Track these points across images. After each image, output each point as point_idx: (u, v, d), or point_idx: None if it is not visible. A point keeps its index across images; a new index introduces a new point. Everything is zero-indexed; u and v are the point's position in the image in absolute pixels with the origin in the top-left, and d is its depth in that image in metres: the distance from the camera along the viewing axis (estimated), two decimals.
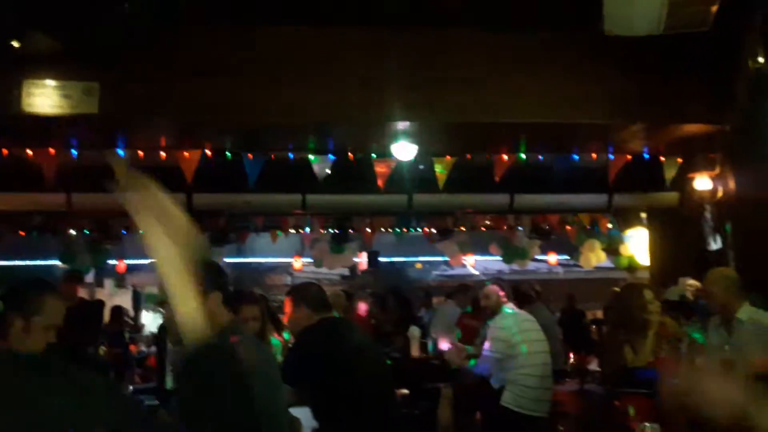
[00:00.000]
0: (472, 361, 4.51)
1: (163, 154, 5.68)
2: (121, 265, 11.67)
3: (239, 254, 13.26)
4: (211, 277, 1.98)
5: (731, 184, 5.05)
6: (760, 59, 4.16)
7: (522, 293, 6.15)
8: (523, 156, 5.95)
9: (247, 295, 3.99)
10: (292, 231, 9.57)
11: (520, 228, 10.05)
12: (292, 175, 6.55)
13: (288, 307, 3.11)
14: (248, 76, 4.81)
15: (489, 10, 4.73)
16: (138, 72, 4.62)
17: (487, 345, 4.24)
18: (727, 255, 5.19)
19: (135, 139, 5.61)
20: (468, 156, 6.15)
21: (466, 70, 4.99)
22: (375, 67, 4.96)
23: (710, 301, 3.70)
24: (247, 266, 14.76)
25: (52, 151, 5.35)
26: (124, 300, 11.55)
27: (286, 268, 14.29)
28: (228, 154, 5.92)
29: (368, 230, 9.71)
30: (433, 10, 4.77)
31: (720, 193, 5.37)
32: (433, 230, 10.17)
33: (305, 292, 3.11)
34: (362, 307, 6.41)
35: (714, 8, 3.89)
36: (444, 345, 5.44)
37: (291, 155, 6.05)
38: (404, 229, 10.10)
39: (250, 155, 5.89)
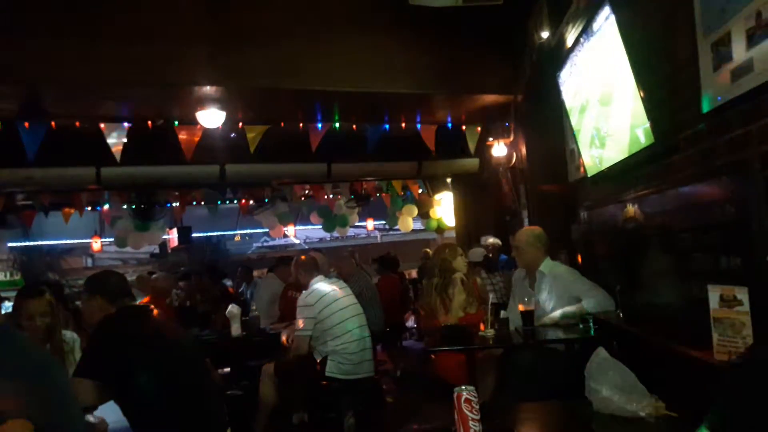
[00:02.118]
0: None
1: None
2: None
3: (26, 237, 11.63)
4: None
5: (523, 150, 5.53)
6: (544, 34, 4.54)
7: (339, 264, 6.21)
8: (337, 125, 5.93)
9: (28, 288, 3.45)
10: (89, 209, 8.54)
11: (339, 196, 10.19)
12: (84, 146, 5.81)
13: (83, 297, 2.81)
14: (17, 27, 4.09)
15: None
16: None
17: (297, 323, 4.19)
18: (521, 215, 5.71)
19: None
20: (282, 124, 5.96)
21: (276, 36, 4.78)
22: (175, 24, 4.52)
23: (519, 257, 3.99)
24: (38, 250, 13.01)
25: None
26: None
27: (86, 250, 12.87)
28: None
29: (177, 204, 9.07)
30: None
31: (514, 158, 5.87)
32: (251, 202, 9.85)
33: (101, 282, 2.78)
34: (167, 289, 5.96)
35: None
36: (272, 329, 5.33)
37: (78, 123, 5.31)
38: (217, 202, 9.62)
39: (26, 124, 5.06)
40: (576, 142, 4.07)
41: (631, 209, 3.34)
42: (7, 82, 4.40)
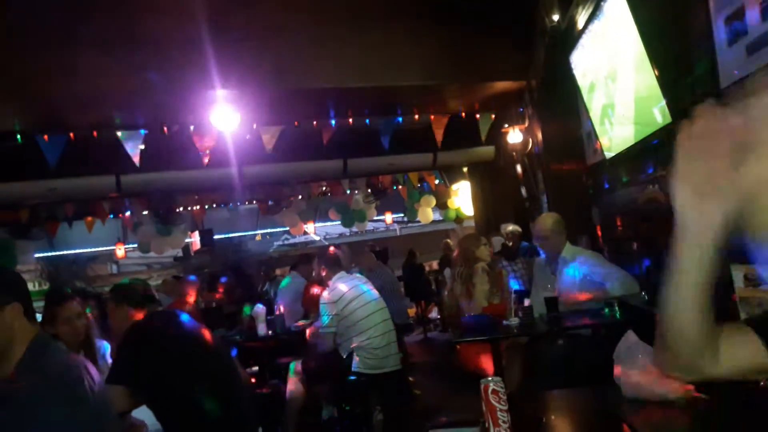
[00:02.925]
0: None
1: None
2: None
3: (52, 248, 11.84)
4: (7, 285, 1.67)
5: (539, 135, 5.48)
6: (555, 17, 4.49)
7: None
8: (351, 121, 5.93)
9: (57, 293, 3.53)
10: (111, 216, 8.67)
11: (356, 192, 10.19)
12: (103, 155, 5.89)
13: (110, 306, 2.87)
14: (31, 39, 4.15)
15: None
16: None
17: (320, 322, 4.21)
18: (540, 201, 5.66)
19: None
20: (296, 123, 5.98)
21: (285, 35, 4.78)
22: (185, 29, 4.55)
23: (542, 243, 3.95)
24: (64, 259, 13.23)
25: None
26: None
27: (110, 257, 13.07)
28: (18, 137, 5.12)
29: (197, 208, 9.16)
30: None
31: (530, 144, 5.81)
32: (270, 202, 9.91)
33: (126, 291, 2.85)
34: (192, 291, 6.03)
35: None
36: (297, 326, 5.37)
37: (96, 133, 5.39)
38: (237, 204, 9.70)
39: (45, 137, 5.15)
40: (592, 125, 4.03)
41: (652, 190, 3.29)
42: (23, 96, 4.47)
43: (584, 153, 4.67)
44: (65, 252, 12.78)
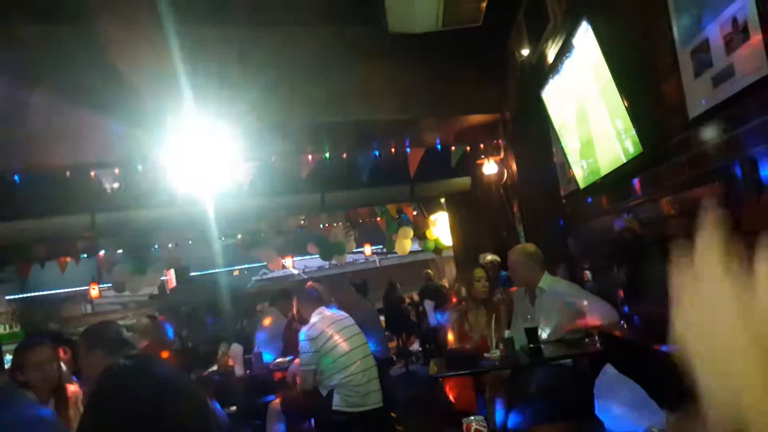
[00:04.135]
0: None
1: None
2: None
3: (24, 290, 11.54)
4: None
5: (513, 166, 5.55)
6: (524, 51, 4.59)
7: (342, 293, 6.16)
8: (327, 155, 5.94)
9: (24, 342, 3.42)
10: (85, 256, 8.50)
11: (336, 224, 10.17)
12: (77, 194, 5.80)
13: (81, 352, 2.77)
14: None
15: (279, 10, 4.60)
16: None
17: (300, 358, 4.14)
18: (518, 230, 5.70)
19: None
20: (272, 158, 5.97)
21: (262, 71, 4.81)
22: (165, 67, 4.54)
23: (513, 275, 3.97)
24: (36, 300, 12.88)
25: None
26: None
27: (85, 297, 12.76)
28: None
29: (172, 245, 9.03)
30: (221, 9, 4.51)
31: (505, 175, 5.88)
32: (247, 237, 9.82)
33: (98, 334, 2.76)
34: (168, 330, 5.91)
35: (483, 4, 4.19)
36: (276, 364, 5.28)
37: (69, 172, 5.30)
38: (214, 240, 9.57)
39: (16, 176, 5.06)
40: (565, 156, 4.09)
41: (627, 219, 3.33)
42: None
43: (558, 183, 4.73)
44: (38, 293, 12.46)
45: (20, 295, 11.78)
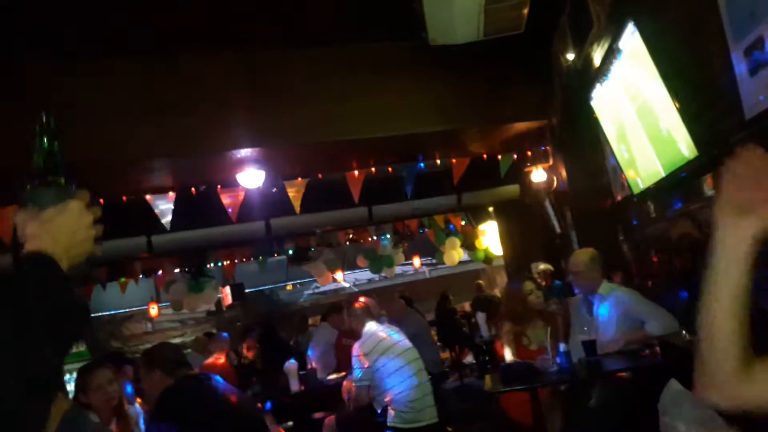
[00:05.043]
0: None
1: None
2: None
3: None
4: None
5: (563, 173, 5.43)
6: (569, 56, 4.51)
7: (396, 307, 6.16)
8: (373, 170, 5.97)
9: (90, 364, 3.55)
10: (143, 276, 8.80)
11: (383, 237, 10.20)
12: (133, 217, 6.02)
13: (142, 373, 2.87)
14: (67, 113, 4.29)
15: (320, 28, 4.69)
16: None
17: (354, 374, 4.12)
18: (571, 238, 5.57)
19: None
20: (319, 175, 6.06)
21: (305, 91, 4.90)
22: (210, 93, 4.70)
23: (578, 281, 3.84)
24: (99, 319, 13.39)
25: None
26: None
27: (145, 315, 13.20)
28: None
29: (227, 263, 9.25)
30: (265, 33, 4.63)
31: (555, 182, 5.76)
32: (297, 252, 9.96)
33: (157, 355, 2.84)
34: (226, 347, 6.02)
35: (525, 11, 4.14)
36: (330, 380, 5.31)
37: (125, 198, 5.52)
38: (266, 257, 9.78)
39: None
40: (617, 161, 3.98)
41: (685, 224, 3.21)
42: None
43: (611, 188, 4.60)
44: (101, 314, 12.95)
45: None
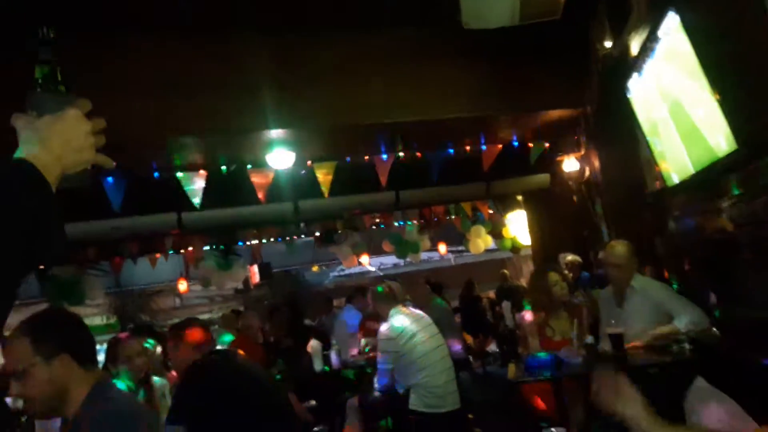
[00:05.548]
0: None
1: None
2: None
3: (117, 284, 12.31)
4: (55, 337, 1.69)
5: (596, 163, 5.34)
6: (606, 44, 4.40)
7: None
8: (401, 154, 5.95)
9: (118, 336, 3.66)
10: (172, 252, 8.96)
11: (409, 223, 10.19)
12: (164, 194, 6.13)
13: (170, 346, 2.97)
14: (101, 91, 4.36)
15: (352, 12, 4.66)
16: None
17: (379, 357, 4.15)
18: (600, 229, 5.49)
19: None
20: (348, 159, 6.06)
21: (336, 74, 4.89)
22: (243, 74, 4.72)
23: (615, 272, 3.79)
24: (129, 293, 13.72)
25: None
26: None
27: (174, 290, 13.48)
28: None
29: (255, 242, 9.37)
30: (299, 15, 4.62)
31: (587, 172, 5.67)
32: (324, 234, 10.02)
33: (185, 329, 2.91)
34: (254, 324, 6.11)
35: None
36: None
37: (156, 174, 5.60)
38: (293, 237, 9.86)
39: (109, 178, 5.40)
40: (651, 152, 3.89)
41: (721, 218, 3.13)
42: None
43: (644, 181, 4.50)
44: (131, 288, 13.25)
45: (115, 289, 12.55)
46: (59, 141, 0.99)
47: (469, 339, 9.04)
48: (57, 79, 1.05)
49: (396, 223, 10.02)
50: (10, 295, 0.88)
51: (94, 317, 12.53)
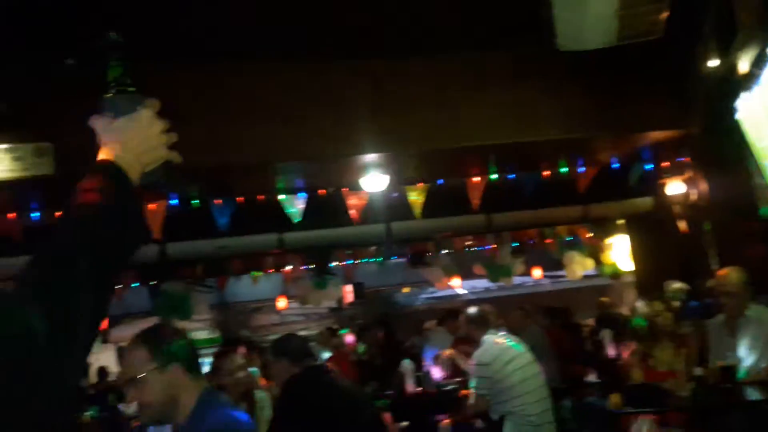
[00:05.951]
0: None
1: None
2: None
3: (221, 300, 13.00)
4: (168, 347, 1.82)
5: (704, 186, 5.06)
6: (714, 62, 4.20)
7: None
8: (494, 176, 5.93)
9: (223, 350, 3.89)
10: (272, 270, 9.40)
11: (503, 246, 10.04)
12: (267, 216, 6.47)
13: (270, 360, 3.13)
14: (209, 117, 4.71)
15: (447, 37, 4.75)
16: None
17: (473, 382, 4.09)
18: (709, 256, 5.17)
19: None
20: (440, 181, 6.13)
21: (431, 98, 4.98)
22: (341, 100, 4.93)
23: (728, 301, 3.60)
24: (231, 309, 14.44)
25: (11, 215, 5.15)
26: (107, 357, 11.14)
27: (272, 307, 14.04)
28: (194, 201, 5.82)
29: (349, 262, 9.62)
30: (392, 41, 4.77)
31: (693, 196, 5.38)
32: (415, 256, 10.09)
33: (284, 345, 3.07)
34: (349, 342, 6.26)
35: (664, 15, 3.92)
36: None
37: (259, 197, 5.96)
38: (386, 258, 10.02)
39: (217, 201, 5.80)
40: (764, 175, 3.65)
41: None
42: (196, 169, 5.07)
43: (757, 205, 4.21)
44: (233, 302, 13.91)
45: (219, 305, 13.25)
46: (137, 140, 1.07)
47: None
48: (128, 81, 1.11)
49: (489, 246, 9.91)
50: (110, 288, 0.96)
51: (199, 331, 13.28)
